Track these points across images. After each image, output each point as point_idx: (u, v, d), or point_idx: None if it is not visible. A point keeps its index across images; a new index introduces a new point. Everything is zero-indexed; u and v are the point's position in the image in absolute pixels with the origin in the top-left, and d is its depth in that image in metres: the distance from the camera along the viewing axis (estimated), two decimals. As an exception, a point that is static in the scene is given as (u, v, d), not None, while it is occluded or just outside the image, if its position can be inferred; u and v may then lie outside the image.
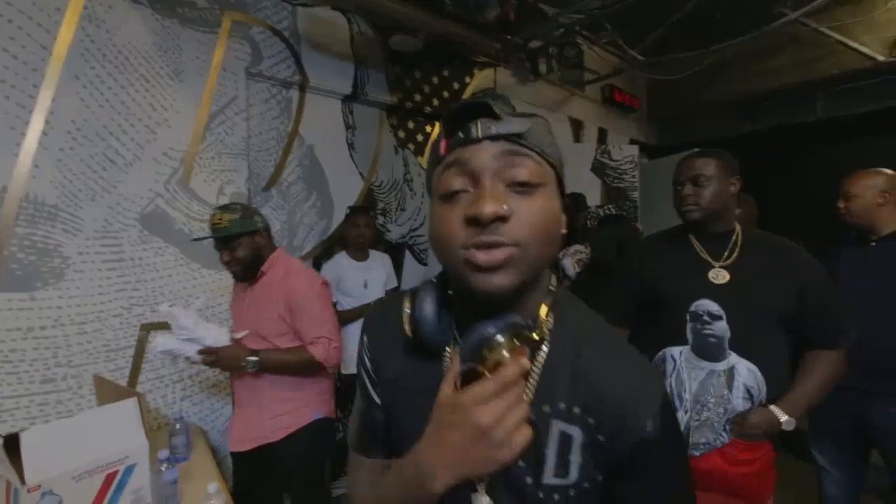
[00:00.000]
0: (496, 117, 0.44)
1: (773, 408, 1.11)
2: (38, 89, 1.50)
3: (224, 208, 1.46)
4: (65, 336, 1.58)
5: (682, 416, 1.17)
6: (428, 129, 2.77)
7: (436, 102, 2.72)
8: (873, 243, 1.53)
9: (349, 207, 2.26)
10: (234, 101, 1.94)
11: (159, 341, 1.36)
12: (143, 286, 1.74)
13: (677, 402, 1.18)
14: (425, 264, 2.76)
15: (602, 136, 4.03)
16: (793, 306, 1.10)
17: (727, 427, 1.13)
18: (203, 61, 1.85)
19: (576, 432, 0.47)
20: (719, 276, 1.16)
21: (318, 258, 2.25)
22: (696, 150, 1.26)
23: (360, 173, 2.45)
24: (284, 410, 1.49)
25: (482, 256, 0.42)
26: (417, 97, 2.62)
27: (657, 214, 3.06)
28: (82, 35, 1.57)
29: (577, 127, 3.77)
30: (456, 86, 2.82)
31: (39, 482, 1.02)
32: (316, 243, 2.28)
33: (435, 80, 2.71)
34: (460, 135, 0.46)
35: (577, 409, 0.47)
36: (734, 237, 1.20)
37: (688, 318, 1.17)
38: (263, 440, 1.49)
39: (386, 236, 2.59)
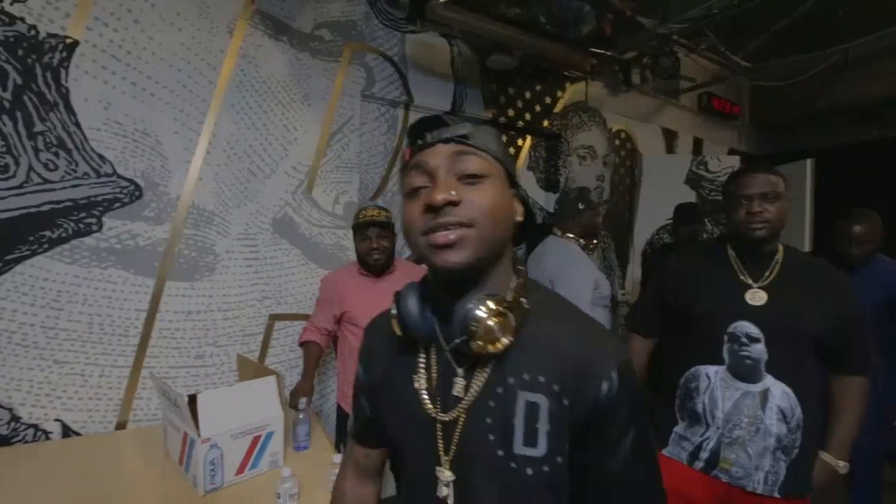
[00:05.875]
0: (446, 125, 0.53)
1: (826, 457, 1.14)
2: (205, 116, 1.83)
3: (377, 206, 1.77)
4: (213, 320, 1.89)
5: (713, 434, 1.17)
6: (520, 142, 2.87)
7: (528, 117, 2.81)
8: None
9: None
10: (350, 120, 2.18)
11: None
12: (272, 281, 2.02)
13: (709, 420, 1.18)
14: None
15: (697, 146, 3.85)
16: (829, 332, 1.09)
17: (774, 456, 1.11)
18: (327, 87, 2.11)
19: (541, 400, 0.50)
20: (756, 297, 1.14)
21: (416, 263, 2.44)
22: (757, 163, 1.22)
23: (454, 185, 2.60)
24: None
25: (440, 237, 0.49)
26: (511, 112, 2.73)
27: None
28: (237, 70, 1.89)
29: (670, 137, 3.64)
30: (548, 100, 2.89)
31: (210, 435, 1.26)
32: (413, 249, 2.46)
33: (528, 95, 2.80)
34: (418, 141, 0.54)
35: (541, 378, 0.51)
36: (776, 257, 1.16)
37: (725, 338, 1.16)
38: None
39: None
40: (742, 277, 1.18)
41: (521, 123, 2.77)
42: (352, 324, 1.77)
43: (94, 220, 1.64)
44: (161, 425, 1.53)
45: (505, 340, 0.50)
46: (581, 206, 1.92)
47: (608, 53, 2.63)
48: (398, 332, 0.57)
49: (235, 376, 1.89)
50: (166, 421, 1.45)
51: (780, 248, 1.18)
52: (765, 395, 1.11)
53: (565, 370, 0.50)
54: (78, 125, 1.59)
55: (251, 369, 1.65)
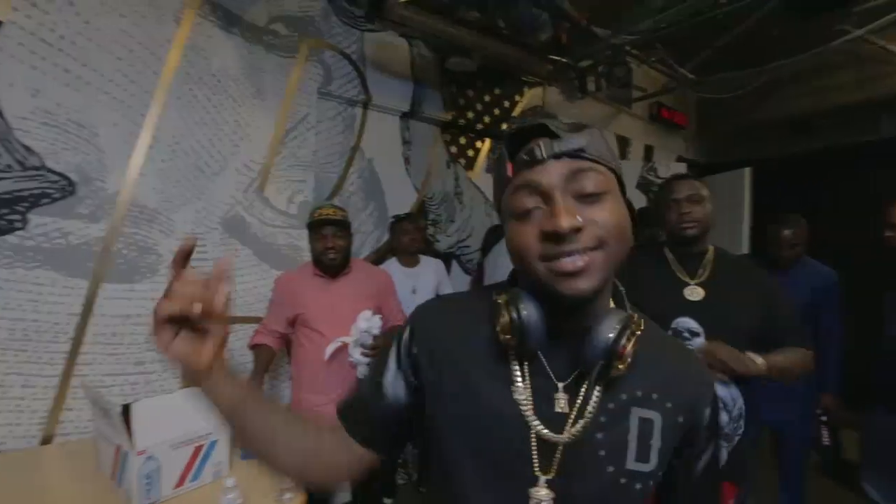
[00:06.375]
0: (554, 136, 0.47)
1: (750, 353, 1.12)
2: (148, 108, 1.73)
3: (332, 205, 1.74)
4: (155, 324, 1.78)
5: None
6: (479, 144, 2.90)
7: (487, 120, 2.85)
8: None
9: (394, 216, 2.37)
10: (305, 118, 2.13)
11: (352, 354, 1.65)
12: (221, 283, 1.93)
13: None
14: (470, 274, 2.86)
15: (648, 153, 4.03)
16: (761, 324, 1.17)
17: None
18: (282, 82, 2.05)
19: (656, 416, 0.51)
20: (694, 293, 1.22)
21: (375, 264, 2.40)
22: (682, 173, 1.31)
23: (414, 186, 2.60)
24: None
25: (567, 265, 0.45)
26: (470, 114, 2.75)
27: (705, 233, 3.01)
28: (185, 61, 1.80)
29: (623, 144, 3.79)
30: (507, 104, 2.94)
31: (146, 447, 1.18)
32: (371, 250, 2.43)
33: (487, 98, 2.84)
34: (524, 157, 0.48)
35: (655, 395, 0.52)
36: (707, 256, 1.26)
37: (670, 333, 1.21)
38: None
39: (436, 246, 2.72)
40: (680, 275, 1.25)
41: (480, 126, 2.80)
42: (306, 326, 1.72)
43: (17, 217, 1.51)
44: (93, 438, 1.42)
45: (629, 360, 0.48)
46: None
47: (564, 60, 2.70)
48: (509, 335, 0.50)
49: (179, 383, 1.80)
50: (98, 433, 1.36)
51: (710, 248, 1.28)
52: None
53: (677, 389, 0.53)
54: (0, 113, 1.46)
55: (196, 375, 1.57)
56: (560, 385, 0.52)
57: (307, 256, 1.82)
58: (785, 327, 1.22)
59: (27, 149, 1.51)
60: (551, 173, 0.46)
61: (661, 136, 4.13)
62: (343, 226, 1.71)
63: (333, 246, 1.67)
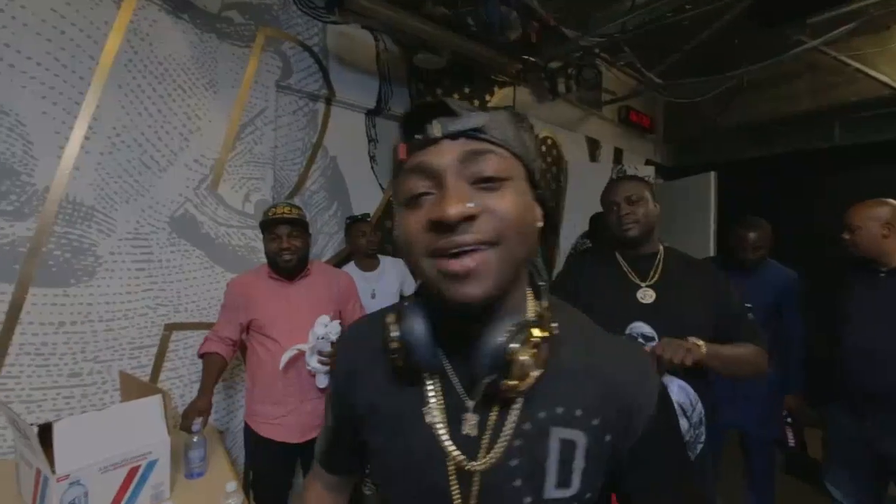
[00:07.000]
0: (453, 114, 0.42)
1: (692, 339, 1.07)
2: (84, 96, 1.58)
3: (288, 203, 1.63)
4: (93, 332, 1.63)
5: None
6: (447, 144, 2.84)
7: (456, 118, 2.79)
8: (882, 274, 1.51)
9: (349, 217, 2.27)
10: (263, 112, 2.01)
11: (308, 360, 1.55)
12: (168, 287, 1.79)
13: None
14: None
15: (618, 155, 4.07)
16: (714, 322, 1.14)
17: None
18: (237, 74, 1.93)
19: (578, 437, 0.45)
20: (646, 295, 1.19)
21: (338, 266, 2.30)
22: (625, 175, 1.29)
23: (381, 185, 2.51)
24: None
25: (454, 265, 0.39)
26: (438, 113, 2.68)
27: (671, 234, 3.06)
28: (127, 47, 1.66)
29: (593, 146, 3.81)
30: (476, 103, 2.89)
31: (68, 472, 1.05)
32: (335, 251, 2.33)
33: (456, 97, 2.77)
34: (418, 137, 0.42)
35: (578, 412, 0.45)
36: (658, 257, 1.24)
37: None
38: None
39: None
40: (632, 278, 1.22)
41: (449, 125, 2.74)
42: (261, 333, 1.62)
43: (-73, 214, 1.34)
44: (14, 460, 1.28)
45: (535, 374, 0.42)
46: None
47: (533, 60, 2.68)
48: (399, 362, 0.47)
49: (120, 396, 1.65)
50: (19, 456, 1.21)
51: (661, 248, 1.25)
52: None
53: (606, 403, 0.45)
54: None
55: (136, 388, 1.44)
56: (470, 404, 0.46)
57: (265, 259, 1.71)
58: (738, 325, 1.18)
59: (-62, 138, 1.35)
60: (444, 154, 0.41)
61: (631, 138, 4.18)
62: (299, 225, 1.61)
63: (289, 247, 1.57)
